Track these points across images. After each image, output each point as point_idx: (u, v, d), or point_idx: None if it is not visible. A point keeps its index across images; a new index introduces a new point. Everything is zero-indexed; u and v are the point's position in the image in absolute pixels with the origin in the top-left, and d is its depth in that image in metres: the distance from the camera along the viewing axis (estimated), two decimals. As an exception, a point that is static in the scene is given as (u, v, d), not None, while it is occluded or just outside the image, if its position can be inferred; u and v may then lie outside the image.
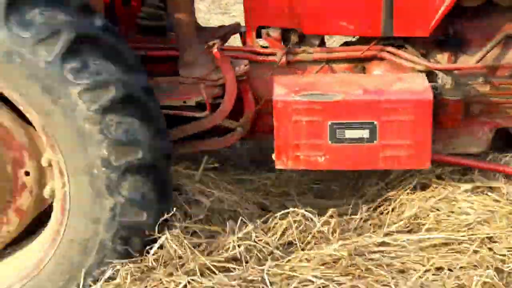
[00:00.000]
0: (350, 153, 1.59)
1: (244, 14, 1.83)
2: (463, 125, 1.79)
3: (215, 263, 1.55)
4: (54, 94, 1.30)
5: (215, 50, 1.73)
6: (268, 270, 1.54)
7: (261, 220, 1.80)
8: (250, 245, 1.64)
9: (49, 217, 1.51)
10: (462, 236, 1.72)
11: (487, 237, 1.73)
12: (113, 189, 1.37)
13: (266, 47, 1.88)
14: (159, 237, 1.50)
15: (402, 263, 1.65)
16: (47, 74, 1.28)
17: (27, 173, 1.48)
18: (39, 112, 1.34)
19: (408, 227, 1.88)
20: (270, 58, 1.82)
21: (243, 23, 1.97)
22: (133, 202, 1.40)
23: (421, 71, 1.71)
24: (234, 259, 1.61)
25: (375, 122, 1.54)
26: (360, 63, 1.83)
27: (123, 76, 1.36)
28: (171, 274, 1.51)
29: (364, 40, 1.81)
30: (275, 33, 1.80)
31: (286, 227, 1.75)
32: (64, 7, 1.33)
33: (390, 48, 1.74)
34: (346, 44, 1.93)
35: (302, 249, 1.69)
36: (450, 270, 1.59)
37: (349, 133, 1.56)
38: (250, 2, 1.78)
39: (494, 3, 1.66)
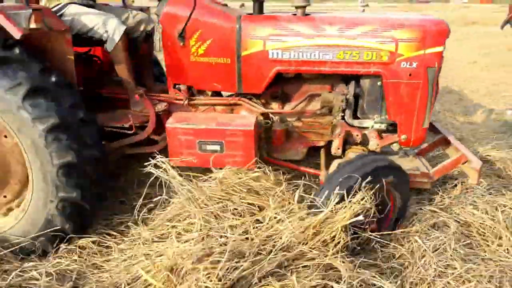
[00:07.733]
0: (209, 158, 2.59)
1: (167, 77, 2.90)
2: (289, 143, 2.85)
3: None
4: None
5: (139, 96, 2.87)
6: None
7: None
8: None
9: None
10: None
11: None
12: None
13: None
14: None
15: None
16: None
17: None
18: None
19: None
20: (180, 101, 2.90)
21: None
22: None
23: (260, 113, 2.74)
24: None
25: (223, 141, 2.51)
26: (229, 107, 2.90)
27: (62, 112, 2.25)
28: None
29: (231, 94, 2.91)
30: (183, 88, 2.89)
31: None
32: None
33: (243, 99, 2.77)
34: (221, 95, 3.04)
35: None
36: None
37: (209, 147, 2.53)
38: (170, 71, 2.84)
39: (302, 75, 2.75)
